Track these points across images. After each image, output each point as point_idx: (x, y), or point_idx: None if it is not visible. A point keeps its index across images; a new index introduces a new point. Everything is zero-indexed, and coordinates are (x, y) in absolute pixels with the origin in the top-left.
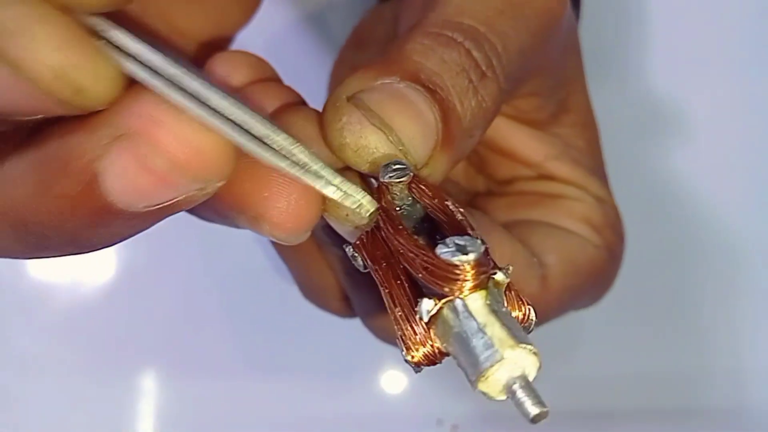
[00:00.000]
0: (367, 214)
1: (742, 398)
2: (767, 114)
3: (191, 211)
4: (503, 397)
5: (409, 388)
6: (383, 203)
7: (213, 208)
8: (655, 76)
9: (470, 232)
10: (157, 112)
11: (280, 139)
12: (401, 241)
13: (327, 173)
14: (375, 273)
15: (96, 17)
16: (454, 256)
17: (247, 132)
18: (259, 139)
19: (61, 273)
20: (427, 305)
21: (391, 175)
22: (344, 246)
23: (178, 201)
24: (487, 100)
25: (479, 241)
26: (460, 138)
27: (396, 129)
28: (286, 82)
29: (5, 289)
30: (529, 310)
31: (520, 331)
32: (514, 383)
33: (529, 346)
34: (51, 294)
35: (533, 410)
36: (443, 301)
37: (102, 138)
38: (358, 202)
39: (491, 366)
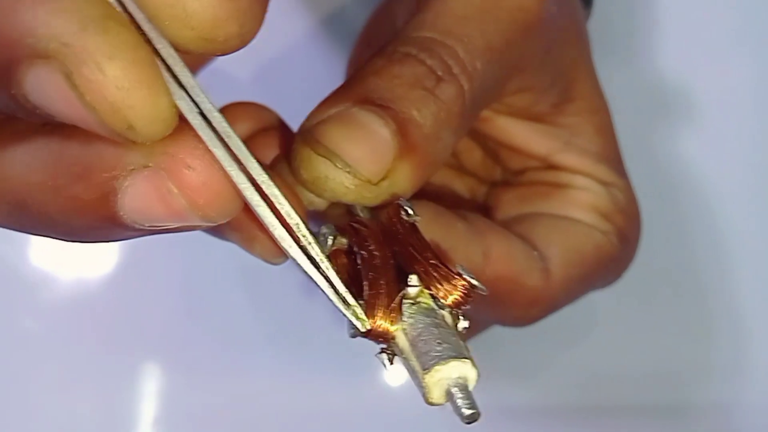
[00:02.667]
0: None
1: (745, 393)
2: None
3: None
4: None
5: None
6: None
7: None
8: (664, 60)
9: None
10: (191, 159)
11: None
12: None
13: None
14: None
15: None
16: (353, 336)
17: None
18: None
19: (64, 262)
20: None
21: (328, 245)
22: None
23: (181, 227)
24: (448, 102)
25: (359, 303)
26: (425, 144)
27: (341, 153)
28: (303, 86)
29: (8, 278)
30: (464, 285)
31: (434, 350)
32: (451, 389)
33: (435, 368)
34: (53, 283)
35: (465, 412)
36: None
37: (130, 163)
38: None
39: (424, 393)
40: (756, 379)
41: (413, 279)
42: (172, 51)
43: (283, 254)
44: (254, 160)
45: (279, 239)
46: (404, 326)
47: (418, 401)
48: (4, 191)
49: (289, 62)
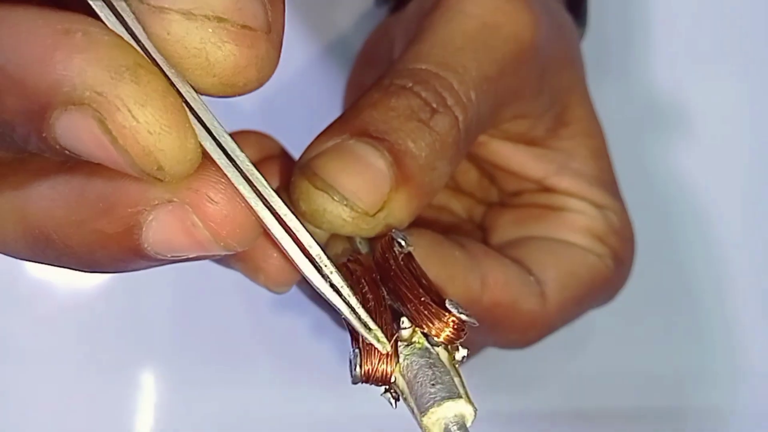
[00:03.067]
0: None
1: (740, 398)
2: None
3: None
4: None
5: None
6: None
7: None
8: (657, 74)
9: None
10: (214, 193)
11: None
12: None
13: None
14: None
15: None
16: (355, 382)
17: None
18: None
19: (60, 273)
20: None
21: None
22: None
23: (202, 256)
24: (442, 133)
25: (356, 352)
26: (421, 175)
27: (337, 186)
28: (306, 114)
29: (4, 286)
30: (454, 321)
31: (428, 392)
32: (450, 427)
33: (431, 411)
34: (50, 290)
35: None
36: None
37: (154, 197)
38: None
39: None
40: (751, 383)
41: (405, 321)
42: (195, 95)
43: (287, 284)
44: (276, 196)
45: (302, 269)
46: (401, 368)
47: None
48: (30, 226)
49: (292, 91)
